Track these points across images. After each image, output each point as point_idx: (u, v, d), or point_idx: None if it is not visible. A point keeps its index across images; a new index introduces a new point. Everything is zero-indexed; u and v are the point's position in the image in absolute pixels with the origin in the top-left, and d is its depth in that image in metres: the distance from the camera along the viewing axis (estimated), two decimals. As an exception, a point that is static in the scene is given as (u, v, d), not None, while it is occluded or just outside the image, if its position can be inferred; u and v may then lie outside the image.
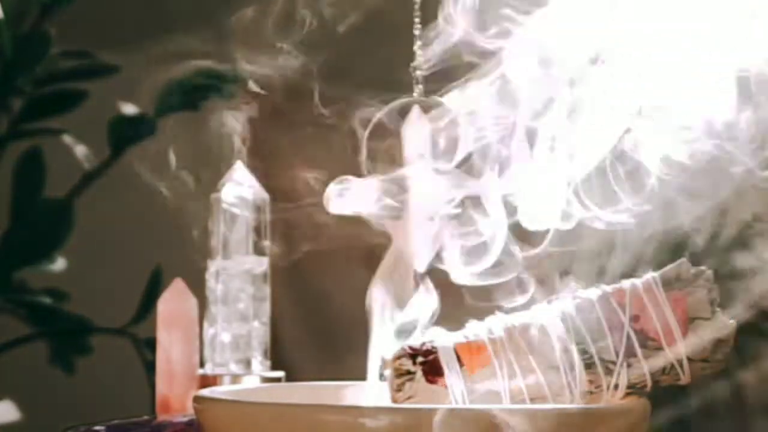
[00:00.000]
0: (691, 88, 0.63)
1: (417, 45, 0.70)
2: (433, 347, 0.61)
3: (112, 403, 1.39)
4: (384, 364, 0.62)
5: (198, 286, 0.85)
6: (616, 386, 0.60)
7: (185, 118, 1.38)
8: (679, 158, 0.63)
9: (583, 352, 0.60)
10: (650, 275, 0.62)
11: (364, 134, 0.68)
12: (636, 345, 0.60)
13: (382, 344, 0.65)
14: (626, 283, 0.62)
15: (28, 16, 1.32)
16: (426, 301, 0.65)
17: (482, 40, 0.65)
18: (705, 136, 0.63)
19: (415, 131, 0.69)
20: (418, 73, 0.70)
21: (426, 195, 0.67)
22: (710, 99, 0.63)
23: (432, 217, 0.66)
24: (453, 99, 0.66)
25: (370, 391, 0.65)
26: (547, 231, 0.64)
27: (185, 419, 0.78)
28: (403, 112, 0.70)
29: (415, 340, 0.62)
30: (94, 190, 1.36)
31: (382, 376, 0.64)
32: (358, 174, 0.67)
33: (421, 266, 0.66)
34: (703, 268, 0.62)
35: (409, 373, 0.60)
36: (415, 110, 0.70)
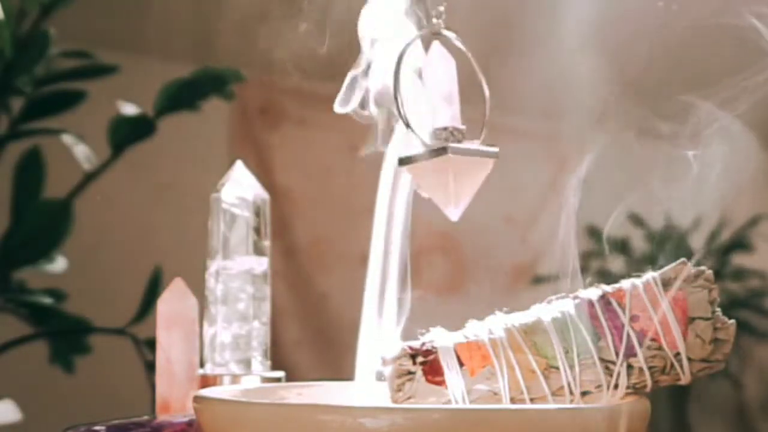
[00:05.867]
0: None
1: None
2: (433, 347, 0.61)
3: (112, 403, 1.39)
4: (383, 363, 0.62)
5: (198, 286, 0.85)
6: (616, 386, 0.60)
7: (185, 118, 1.39)
8: None
9: (583, 352, 0.60)
10: (650, 275, 0.62)
11: (395, 72, 0.66)
12: (636, 345, 0.60)
13: (376, 344, 0.65)
14: (626, 283, 0.62)
15: (28, 16, 1.32)
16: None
17: None
18: None
19: (437, 68, 0.66)
20: (441, 6, 0.67)
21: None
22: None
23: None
24: None
25: (370, 391, 0.65)
26: None
27: (185, 419, 0.78)
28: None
29: (415, 340, 0.62)
30: (94, 190, 1.36)
31: (381, 376, 0.64)
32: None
33: None
34: (703, 268, 0.62)
35: (409, 373, 0.61)
36: (437, 45, 0.67)
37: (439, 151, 0.65)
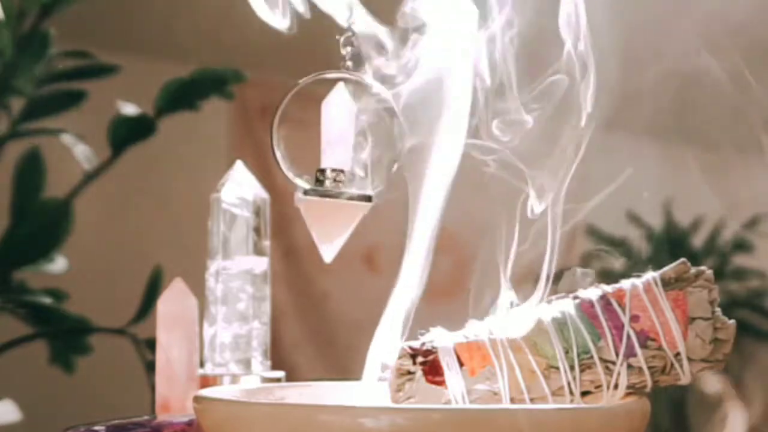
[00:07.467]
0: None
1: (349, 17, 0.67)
2: (433, 347, 0.61)
3: (112, 403, 1.39)
4: (383, 366, 0.62)
5: (198, 286, 0.85)
6: (616, 386, 0.60)
7: (185, 118, 1.39)
8: None
9: (583, 352, 0.60)
10: (650, 275, 0.62)
11: (275, 115, 0.67)
12: (636, 345, 0.60)
13: (383, 346, 0.65)
14: (626, 283, 0.62)
15: (28, 16, 1.32)
16: None
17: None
18: None
19: (337, 110, 0.67)
20: (348, 47, 0.68)
21: None
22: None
23: None
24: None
25: (370, 391, 0.65)
26: None
27: (185, 419, 0.78)
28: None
29: (415, 340, 0.62)
30: (94, 190, 1.36)
31: (382, 379, 0.63)
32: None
33: None
34: (703, 268, 0.62)
35: (409, 373, 0.60)
36: (339, 87, 0.68)
37: (305, 193, 0.68)
